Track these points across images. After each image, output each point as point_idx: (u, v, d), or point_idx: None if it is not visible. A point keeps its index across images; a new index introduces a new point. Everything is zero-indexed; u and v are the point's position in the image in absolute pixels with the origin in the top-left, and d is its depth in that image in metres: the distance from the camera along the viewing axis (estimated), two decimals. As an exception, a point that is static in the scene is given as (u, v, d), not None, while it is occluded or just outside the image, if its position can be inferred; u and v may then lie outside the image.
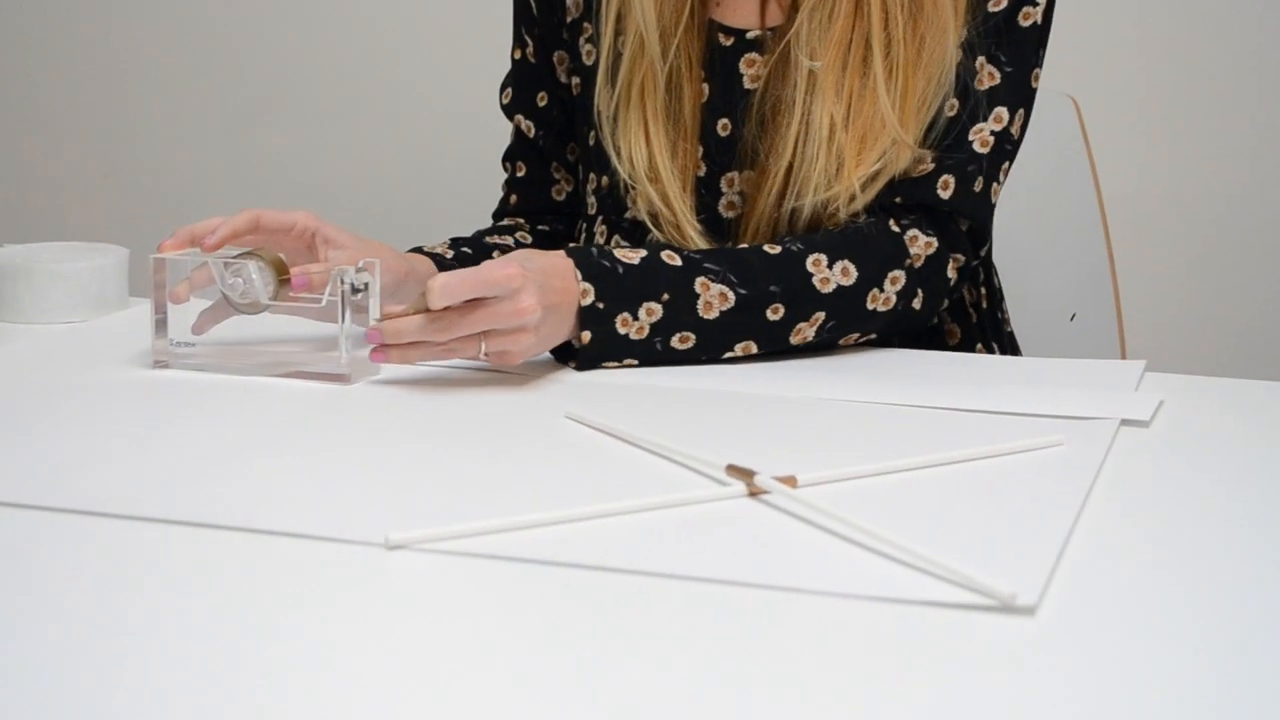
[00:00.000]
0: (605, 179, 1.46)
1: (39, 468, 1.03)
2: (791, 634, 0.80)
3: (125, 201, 2.80)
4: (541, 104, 1.53)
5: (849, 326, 1.33)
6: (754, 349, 1.31)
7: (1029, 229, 1.76)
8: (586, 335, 1.26)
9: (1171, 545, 0.93)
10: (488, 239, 1.51)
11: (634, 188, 1.41)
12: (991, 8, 1.37)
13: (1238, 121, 2.40)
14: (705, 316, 1.28)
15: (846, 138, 1.34)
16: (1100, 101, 2.10)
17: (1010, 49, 1.38)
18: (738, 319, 1.29)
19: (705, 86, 1.41)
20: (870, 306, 1.33)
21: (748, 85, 1.41)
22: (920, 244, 1.35)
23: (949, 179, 1.36)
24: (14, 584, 0.86)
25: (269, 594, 0.85)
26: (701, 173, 1.42)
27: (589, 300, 1.26)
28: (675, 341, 1.28)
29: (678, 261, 1.29)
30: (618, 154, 1.41)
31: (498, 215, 1.59)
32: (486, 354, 1.22)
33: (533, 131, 1.54)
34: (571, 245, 1.37)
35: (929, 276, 1.36)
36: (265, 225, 1.29)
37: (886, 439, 1.12)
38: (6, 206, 2.89)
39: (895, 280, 1.34)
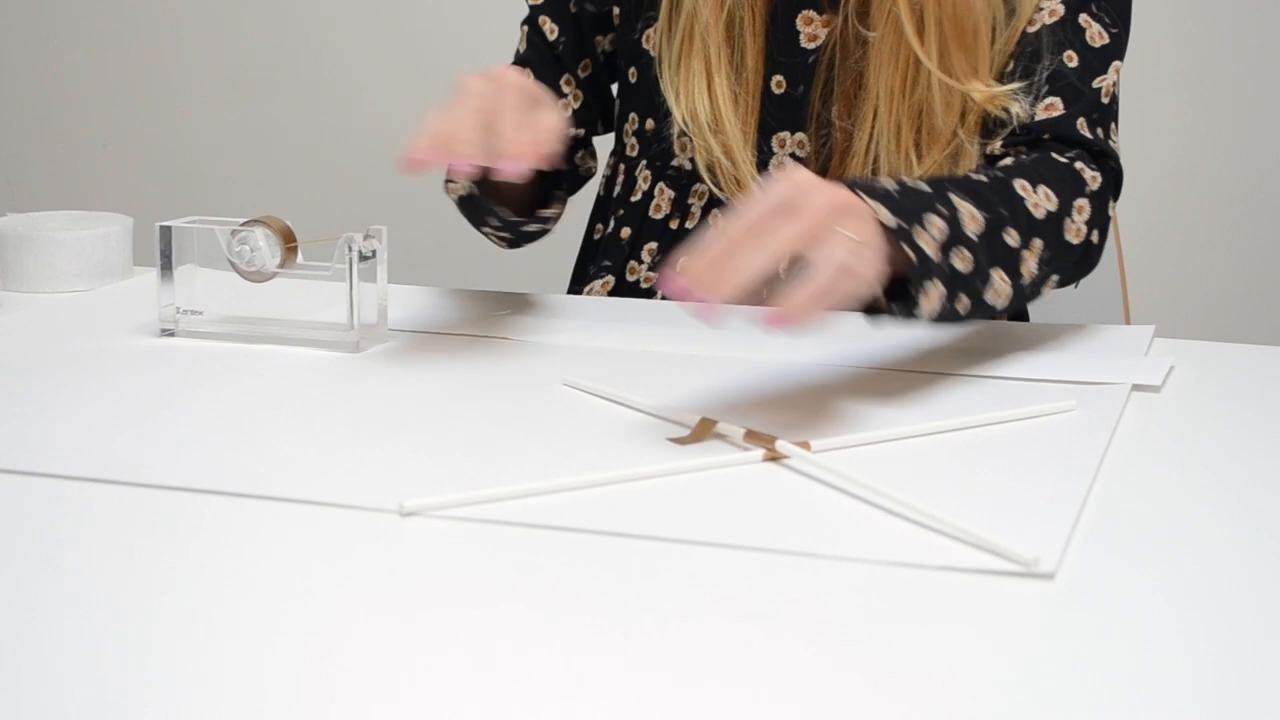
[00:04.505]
0: (651, 122, 1.44)
1: (50, 436, 1.03)
2: (811, 599, 0.80)
3: (124, 171, 2.80)
4: (572, 10, 1.49)
5: (1057, 260, 1.24)
6: (1004, 279, 1.16)
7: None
8: (910, 252, 1.07)
9: (1187, 509, 0.93)
10: None
11: (691, 137, 1.39)
12: None
13: (1240, 86, 2.40)
14: (970, 234, 1.13)
15: (905, 106, 1.34)
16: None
17: (1113, 10, 1.38)
18: (988, 242, 1.15)
19: (764, 41, 1.40)
20: (1068, 237, 1.25)
21: (804, 44, 1.40)
22: (1089, 176, 1.30)
23: (1084, 121, 1.34)
24: (27, 552, 0.86)
25: (282, 561, 0.85)
26: (757, 127, 1.41)
27: (888, 218, 1.07)
28: (956, 261, 1.12)
29: (924, 186, 1.13)
30: (676, 99, 1.40)
31: None
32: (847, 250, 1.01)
33: (555, 34, 1.49)
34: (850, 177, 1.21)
35: (1103, 210, 1.31)
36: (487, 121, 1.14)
37: (897, 404, 1.11)
38: (7, 176, 2.88)
39: (1081, 210, 1.27)
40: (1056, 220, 1.25)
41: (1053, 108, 1.34)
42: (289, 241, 1.23)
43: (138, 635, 0.75)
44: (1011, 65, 1.36)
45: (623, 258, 1.51)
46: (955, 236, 1.12)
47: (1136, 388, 1.14)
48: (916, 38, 1.34)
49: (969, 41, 1.34)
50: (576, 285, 1.55)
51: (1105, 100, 1.36)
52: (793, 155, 1.40)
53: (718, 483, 0.95)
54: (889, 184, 1.11)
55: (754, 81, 1.40)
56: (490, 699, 0.69)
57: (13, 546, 0.86)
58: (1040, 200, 1.24)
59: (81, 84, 2.82)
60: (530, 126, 1.15)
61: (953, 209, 1.13)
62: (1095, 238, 1.30)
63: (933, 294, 1.10)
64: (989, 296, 1.17)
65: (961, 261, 1.13)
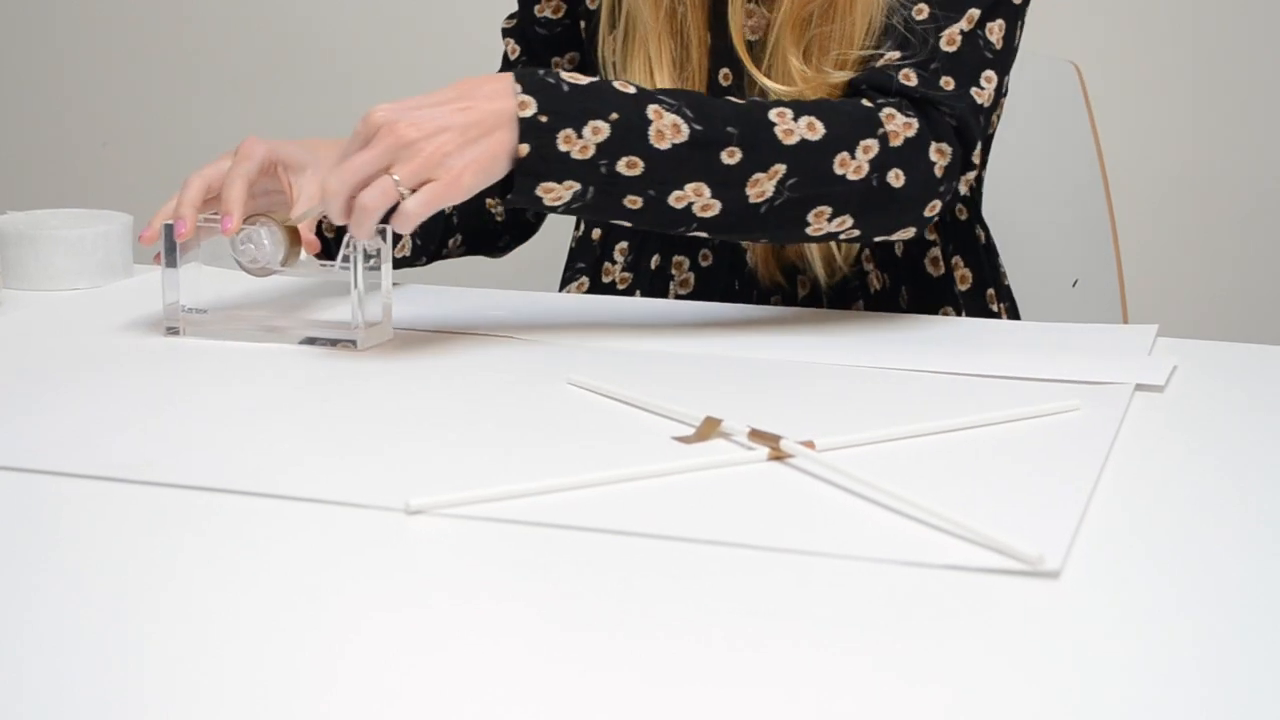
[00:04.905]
0: None
1: (54, 434, 1.03)
2: (817, 598, 0.80)
3: (124, 169, 2.79)
4: (538, 31, 1.52)
5: (814, 188, 1.26)
6: (706, 193, 1.23)
7: (1031, 195, 1.77)
8: (525, 148, 1.18)
9: (1191, 508, 0.93)
10: None
11: None
12: None
13: (1240, 87, 2.40)
14: (656, 145, 1.21)
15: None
16: (1102, 67, 2.10)
17: None
18: (690, 155, 1.22)
19: (709, 34, 1.41)
20: (838, 171, 1.26)
21: (748, 36, 1.40)
22: (898, 122, 1.29)
23: (909, 71, 1.32)
24: (31, 550, 0.86)
25: (288, 559, 0.85)
26: None
27: (529, 112, 1.18)
28: (622, 166, 1.20)
29: (630, 90, 1.23)
30: None
31: None
32: (405, 189, 1.15)
33: (516, 54, 1.53)
34: (520, 69, 1.34)
35: (910, 157, 1.29)
36: (213, 190, 1.27)
37: (900, 404, 1.12)
38: (7, 174, 2.88)
39: (867, 149, 1.27)
40: (815, 149, 1.25)
41: (888, 61, 1.33)
42: (293, 238, 1.23)
43: (142, 633, 0.75)
44: (878, 41, 1.35)
45: (595, 259, 1.52)
46: (628, 146, 1.21)
47: (1140, 387, 1.14)
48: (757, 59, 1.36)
49: (822, 42, 1.35)
50: (563, 288, 1.56)
51: (949, 48, 1.33)
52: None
53: (722, 482, 0.96)
54: (582, 80, 1.22)
55: (699, 75, 1.41)
56: (496, 696, 0.69)
57: (17, 544, 0.87)
58: (797, 129, 1.25)
59: (81, 82, 2.82)
60: (240, 189, 1.24)
61: (643, 121, 1.21)
62: (896, 181, 1.28)
63: (557, 190, 1.20)
64: (674, 202, 1.23)
65: (629, 167, 1.21)
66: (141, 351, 1.23)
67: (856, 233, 1.30)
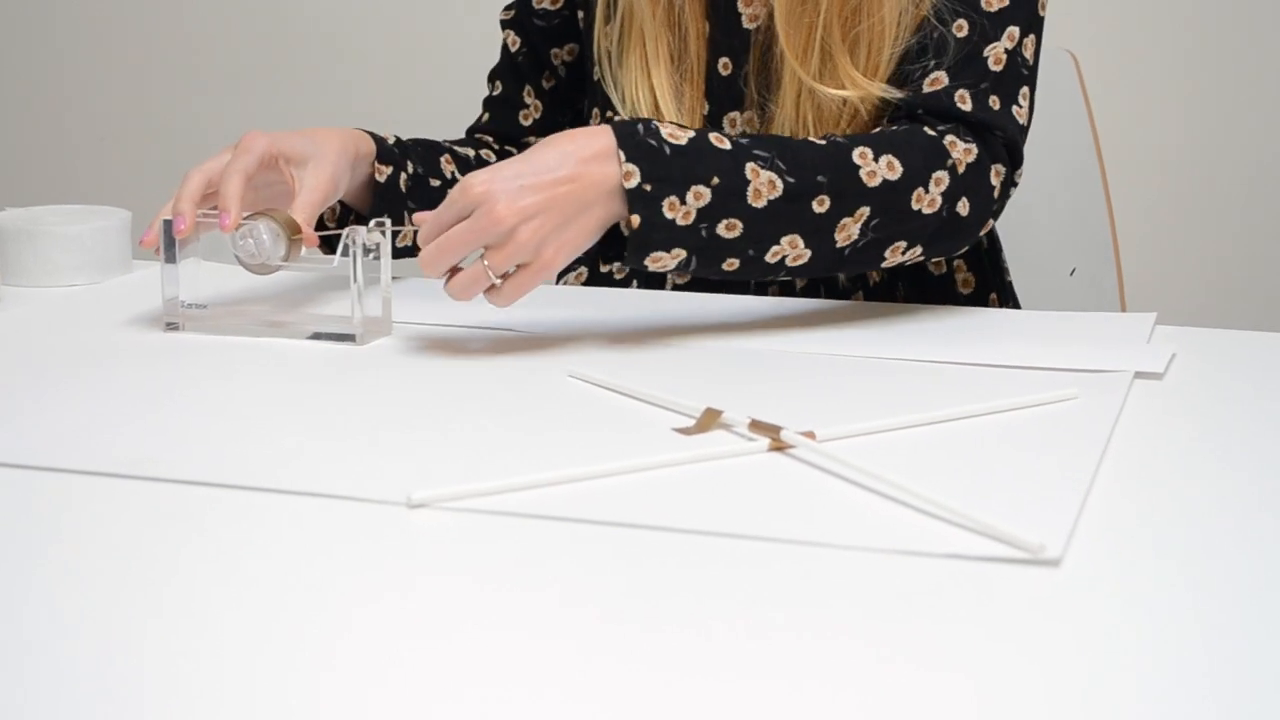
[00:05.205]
0: (611, 114, 1.45)
1: (54, 430, 1.03)
2: (818, 588, 0.80)
3: (123, 165, 2.79)
4: (536, 23, 1.53)
5: (894, 227, 1.27)
6: (800, 244, 1.24)
7: (1029, 185, 1.76)
8: (637, 219, 1.18)
9: (1191, 495, 0.93)
10: (445, 142, 1.50)
11: None
12: None
13: (1236, 75, 2.41)
14: (754, 205, 1.21)
15: (805, 89, 1.35)
16: (1099, 56, 2.10)
17: None
18: (785, 209, 1.23)
19: (707, 24, 1.41)
20: (915, 206, 1.27)
21: (746, 24, 1.40)
22: (960, 149, 1.30)
23: (964, 94, 1.33)
24: (32, 545, 0.86)
25: (290, 553, 0.85)
26: (705, 111, 1.42)
27: (634, 182, 1.18)
28: (722, 229, 1.21)
29: (726, 145, 1.22)
30: (620, 95, 1.41)
31: (470, 131, 1.58)
32: (495, 277, 1.17)
33: (516, 46, 1.54)
34: (617, 119, 1.32)
35: (973, 183, 1.31)
36: (214, 185, 1.26)
37: (900, 394, 1.12)
38: (5, 171, 2.88)
39: (939, 181, 1.28)
40: (896, 189, 1.26)
41: (937, 82, 1.33)
42: (293, 234, 1.23)
43: (144, 628, 0.75)
44: (917, 48, 1.35)
45: (593, 250, 1.52)
46: (728, 209, 1.21)
47: (1139, 375, 1.14)
48: (786, 40, 1.35)
49: (860, 39, 1.34)
50: (560, 279, 1.56)
51: (996, 68, 1.34)
52: (744, 134, 1.41)
53: (723, 473, 0.96)
54: (681, 139, 1.21)
55: (698, 67, 1.41)
56: (499, 688, 0.69)
57: (17, 540, 0.87)
58: (879, 169, 1.26)
59: (79, 78, 2.82)
60: (237, 184, 1.24)
61: (742, 182, 1.21)
62: (963, 209, 1.30)
63: (664, 259, 1.21)
64: (770, 258, 1.24)
65: (728, 229, 1.21)
66: (140, 347, 1.23)
67: (922, 259, 1.32)
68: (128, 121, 2.80)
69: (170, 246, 1.26)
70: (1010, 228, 1.65)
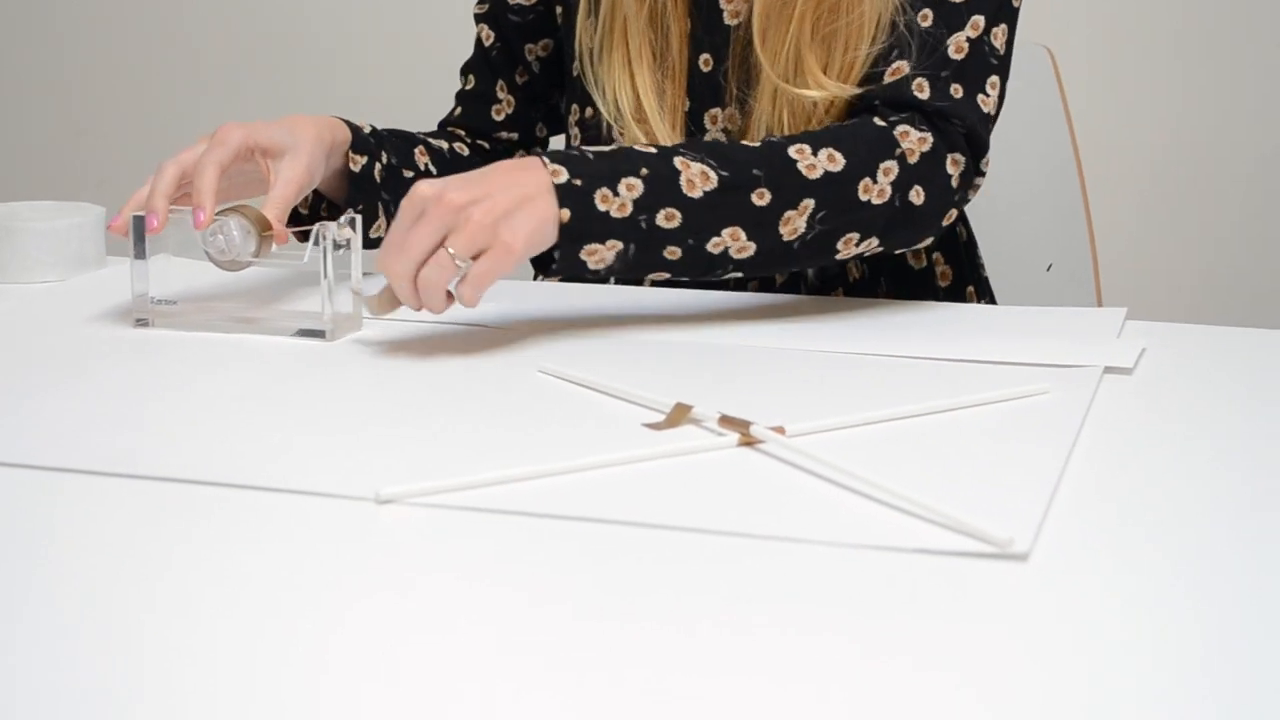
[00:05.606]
0: (590, 110, 1.45)
1: (25, 426, 1.03)
2: (788, 583, 0.80)
3: (99, 161, 2.79)
4: (511, 18, 1.53)
5: (843, 218, 1.27)
6: (742, 236, 1.24)
7: (1005, 180, 1.77)
8: (566, 213, 1.19)
9: (1159, 489, 0.93)
10: (419, 134, 1.51)
11: (620, 128, 1.40)
12: None
13: (1212, 70, 2.41)
14: (689, 194, 1.22)
15: (779, 85, 1.35)
16: (1075, 51, 2.11)
17: None
18: (723, 200, 1.23)
19: (689, 21, 1.41)
20: (863, 197, 1.27)
21: (727, 21, 1.40)
22: (913, 139, 1.30)
23: (922, 82, 1.32)
24: (6, 544, 0.86)
25: (258, 549, 0.85)
26: (686, 108, 1.42)
27: (562, 178, 1.19)
28: (661, 219, 1.22)
29: (651, 149, 1.24)
30: (601, 93, 1.41)
31: (442, 125, 1.58)
32: (462, 260, 1.15)
33: (490, 40, 1.54)
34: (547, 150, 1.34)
35: (926, 172, 1.31)
36: (188, 176, 1.26)
37: (871, 389, 1.12)
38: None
39: (888, 171, 1.28)
40: (839, 181, 1.27)
41: (897, 72, 1.33)
42: (264, 230, 1.23)
43: (113, 624, 0.75)
44: (889, 47, 1.34)
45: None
46: (663, 198, 1.22)
47: (1109, 370, 1.14)
48: (760, 41, 1.35)
49: (836, 40, 1.34)
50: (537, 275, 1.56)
51: (958, 56, 1.34)
52: (725, 130, 1.41)
53: (693, 468, 0.96)
54: (605, 149, 1.24)
55: (680, 63, 1.41)
56: (469, 683, 0.69)
57: (-11, 537, 0.87)
58: (819, 163, 1.26)
59: (55, 73, 2.81)
60: (211, 178, 1.24)
61: (672, 172, 1.22)
62: (917, 198, 1.30)
63: (601, 251, 1.21)
64: (712, 248, 1.24)
65: (667, 219, 1.22)
66: (109, 344, 1.23)
67: (881, 250, 1.32)
68: (104, 117, 2.79)
69: (140, 242, 1.25)
70: (987, 223, 1.65)
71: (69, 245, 1.44)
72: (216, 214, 1.23)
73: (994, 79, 1.36)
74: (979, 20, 1.35)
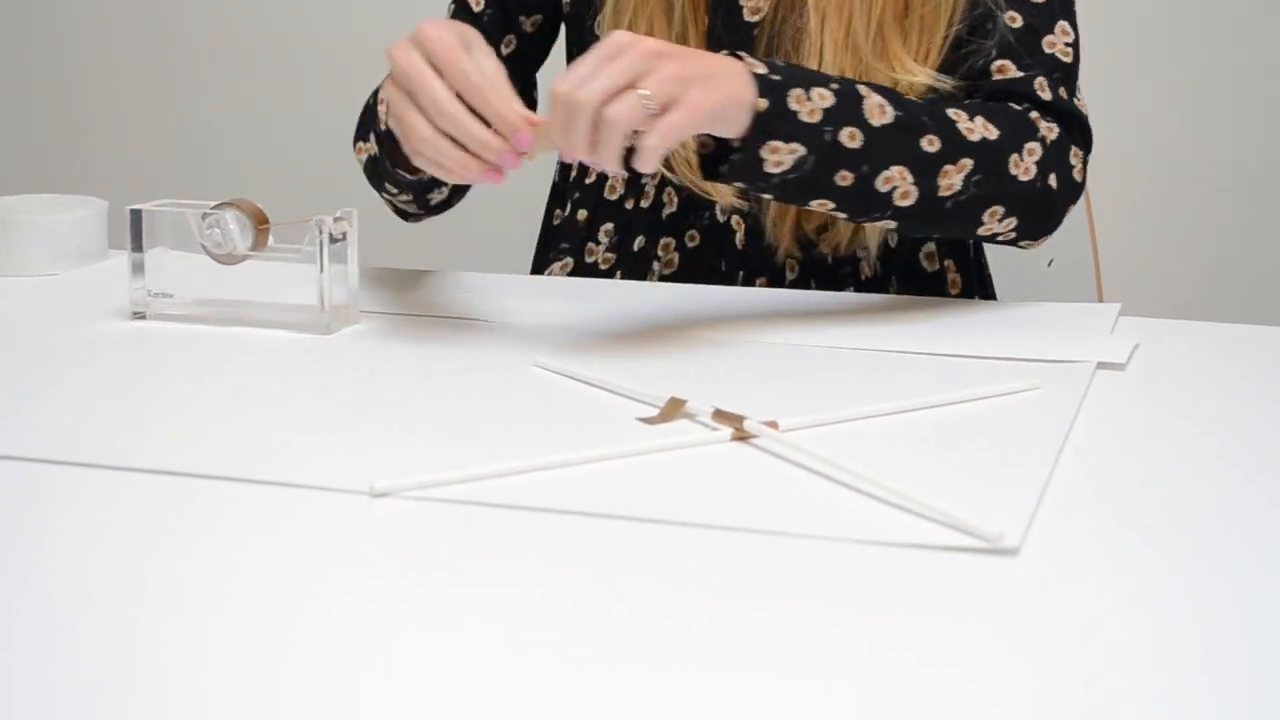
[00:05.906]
0: None
1: (22, 420, 1.03)
2: (780, 578, 0.80)
3: (100, 155, 2.79)
4: None
5: (994, 187, 1.27)
6: (909, 179, 1.22)
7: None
8: (764, 103, 1.15)
9: (1150, 485, 0.94)
10: None
11: None
12: None
13: (1211, 67, 2.41)
14: (871, 121, 1.20)
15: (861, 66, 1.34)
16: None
17: None
18: (897, 137, 1.22)
19: (708, 18, 1.40)
20: (1013, 171, 1.28)
21: (748, 17, 1.40)
22: (1044, 126, 1.31)
23: (1042, 81, 1.34)
24: (3, 537, 0.86)
25: (253, 542, 0.85)
26: None
27: (762, 70, 1.16)
28: (844, 137, 1.20)
29: (833, 76, 1.23)
30: None
31: None
32: (650, 105, 1.08)
33: (481, 6, 1.47)
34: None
35: (1059, 161, 1.32)
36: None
37: (864, 384, 1.12)
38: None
39: (1032, 151, 1.29)
40: (995, 149, 1.27)
41: (1005, 69, 1.34)
42: (260, 224, 1.23)
43: (106, 617, 0.76)
44: (965, 34, 1.35)
45: (580, 240, 1.51)
46: (849, 116, 1.19)
47: (1101, 365, 1.15)
48: (821, 24, 1.34)
49: (913, 23, 1.34)
50: (537, 270, 1.56)
51: (1065, 60, 1.36)
52: None
53: (686, 462, 0.96)
54: (791, 62, 1.23)
55: None
56: (463, 677, 0.70)
57: (-15, 529, 0.87)
58: (976, 127, 1.26)
59: (55, 73, 2.82)
60: (501, 96, 1.12)
61: (857, 95, 1.21)
62: (1054, 183, 1.31)
63: (782, 152, 1.17)
64: (880, 185, 1.22)
65: (850, 139, 1.20)
66: (109, 337, 1.23)
67: (1015, 235, 1.32)
68: (105, 112, 2.79)
69: (137, 236, 1.26)
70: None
71: (70, 239, 1.44)
72: (212, 207, 1.23)
73: (1079, 83, 1.38)
74: (1065, 25, 1.37)
